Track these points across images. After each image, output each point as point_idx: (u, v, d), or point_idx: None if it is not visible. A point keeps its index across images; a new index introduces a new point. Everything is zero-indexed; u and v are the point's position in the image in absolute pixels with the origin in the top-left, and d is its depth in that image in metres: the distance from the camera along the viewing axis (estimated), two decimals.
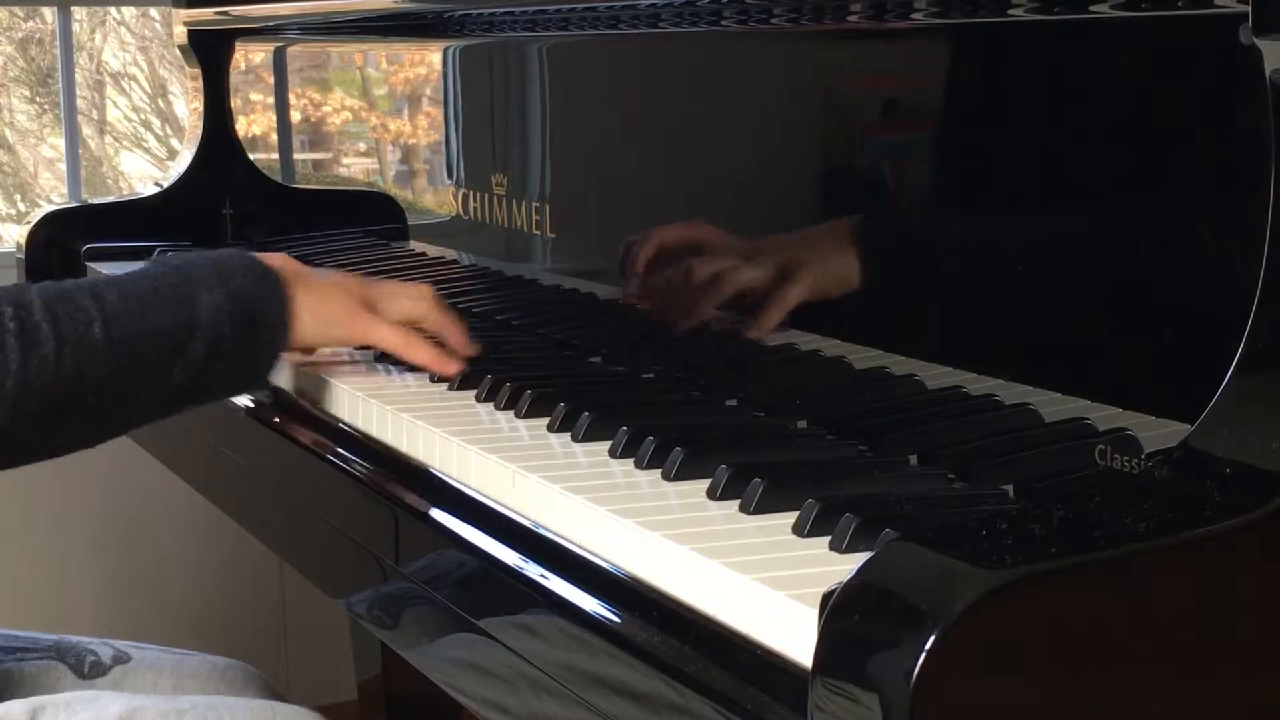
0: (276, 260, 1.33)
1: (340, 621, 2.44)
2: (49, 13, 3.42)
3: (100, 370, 1.15)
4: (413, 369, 1.39)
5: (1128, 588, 0.72)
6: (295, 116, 2.19)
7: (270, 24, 2.12)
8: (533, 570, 1.01)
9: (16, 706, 1.30)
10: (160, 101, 4.06)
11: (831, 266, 1.22)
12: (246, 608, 2.69)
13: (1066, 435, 1.00)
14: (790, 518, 0.94)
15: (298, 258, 2.02)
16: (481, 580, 1.06)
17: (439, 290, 1.70)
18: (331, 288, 1.32)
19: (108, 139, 4.02)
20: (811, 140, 1.26)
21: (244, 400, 1.49)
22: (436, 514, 1.14)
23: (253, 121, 2.26)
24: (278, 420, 1.43)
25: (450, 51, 1.75)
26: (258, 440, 1.46)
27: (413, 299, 1.37)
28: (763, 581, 0.85)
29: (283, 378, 1.47)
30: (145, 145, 4.07)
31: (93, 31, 3.92)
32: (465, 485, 1.14)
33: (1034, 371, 1.04)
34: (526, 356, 1.46)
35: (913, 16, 1.11)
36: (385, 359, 1.44)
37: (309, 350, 1.41)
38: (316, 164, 2.22)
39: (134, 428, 1.23)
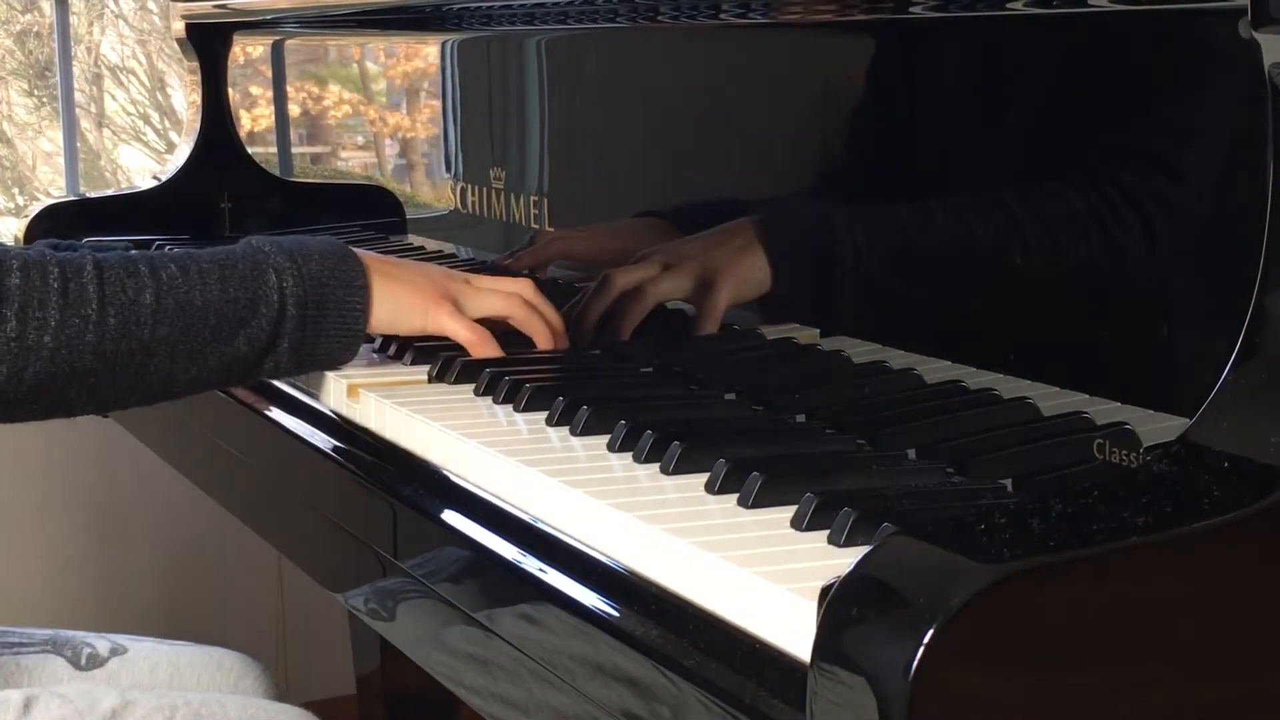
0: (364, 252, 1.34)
1: (339, 616, 2.44)
2: (47, 6, 3.41)
3: (146, 334, 1.20)
4: (413, 363, 1.39)
5: (1126, 582, 0.72)
6: (293, 110, 2.18)
7: (268, 17, 2.12)
8: (531, 564, 1.01)
9: (13, 696, 1.30)
10: (158, 95, 4.05)
11: (831, 260, 1.22)
12: (246, 603, 2.68)
13: (1065, 429, 1.00)
14: (789, 512, 0.94)
15: None
16: (480, 574, 1.06)
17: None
18: (412, 276, 1.33)
19: (106, 132, 4.02)
20: (813, 133, 1.26)
21: (239, 392, 1.49)
22: (435, 508, 1.13)
23: (251, 115, 2.25)
24: (273, 413, 1.42)
25: (448, 45, 1.75)
26: (253, 433, 1.46)
27: (502, 297, 1.36)
28: (761, 575, 0.85)
29: None
30: (144, 138, 4.07)
31: (90, 25, 3.91)
32: (464, 479, 1.14)
33: (1032, 365, 1.04)
34: (525, 350, 1.46)
35: (911, 10, 1.11)
36: (384, 350, 1.44)
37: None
38: (315, 157, 2.22)
39: (192, 393, 1.27)
